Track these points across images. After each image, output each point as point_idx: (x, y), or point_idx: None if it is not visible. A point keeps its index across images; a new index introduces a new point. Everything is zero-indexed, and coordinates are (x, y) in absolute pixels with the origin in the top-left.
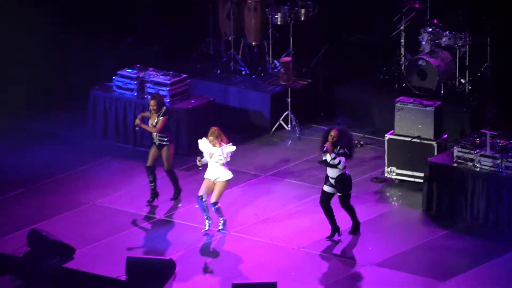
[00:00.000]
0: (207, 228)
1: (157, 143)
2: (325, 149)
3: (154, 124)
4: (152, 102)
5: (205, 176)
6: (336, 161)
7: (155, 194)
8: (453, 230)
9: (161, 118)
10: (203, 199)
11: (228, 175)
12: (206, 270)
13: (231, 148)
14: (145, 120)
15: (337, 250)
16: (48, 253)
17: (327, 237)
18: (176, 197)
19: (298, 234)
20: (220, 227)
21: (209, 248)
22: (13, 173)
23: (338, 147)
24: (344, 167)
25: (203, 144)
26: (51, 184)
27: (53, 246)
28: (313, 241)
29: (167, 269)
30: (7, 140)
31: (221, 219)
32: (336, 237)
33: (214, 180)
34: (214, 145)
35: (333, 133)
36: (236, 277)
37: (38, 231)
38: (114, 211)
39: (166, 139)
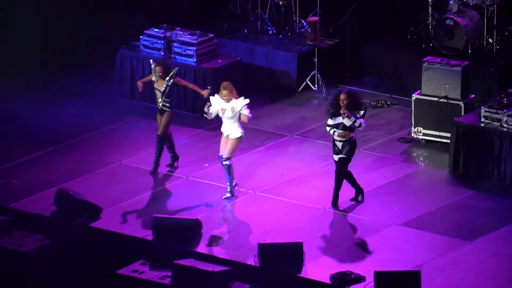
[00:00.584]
0: (227, 194)
1: (159, 107)
2: (346, 115)
3: (163, 89)
4: (158, 69)
5: (222, 130)
6: (357, 123)
7: (175, 157)
8: (479, 190)
9: (174, 79)
10: (225, 160)
11: (239, 132)
12: (232, 230)
13: (244, 101)
14: (145, 85)
15: (363, 210)
16: (75, 213)
17: (351, 199)
18: (172, 164)
19: (324, 194)
20: (227, 195)
21: (235, 208)
22: (41, 132)
23: (359, 110)
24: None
25: (215, 100)
26: (79, 143)
27: (79, 206)
28: (339, 201)
29: (193, 229)
30: (35, 98)
31: (229, 185)
32: (359, 199)
33: (226, 135)
34: (228, 101)
35: (342, 96)
36: (262, 237)
37: (65, 190)
38: (141, 171)
39: (168, 104)
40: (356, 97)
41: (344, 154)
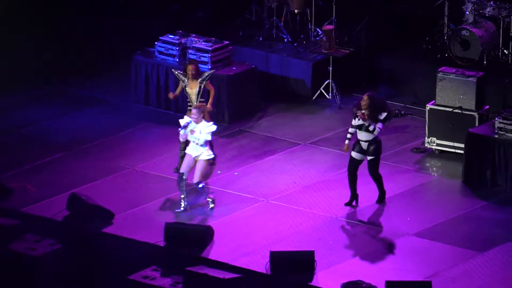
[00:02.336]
0: (182, 208)
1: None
2: (358, 118)
3: (197, 90)
4: (190, 67)
5: (186, 151)
6: (371, 127)
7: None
8: (492, 201)
9: (207, 81)
10: (184, 177)
11: (208, 154)
12: (244, 237)
13: (211, 128)
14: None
15: (376, 219)
16: (87, 218)
17: (346, 204)
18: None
19: (337, 203)
20: (211, 206)
21: (247, 215)
22: (57, 136)
23: (382, 112)
24: (379, 132)
25: (185, 121)
26: (93, 148)
27: (92, 211)
28: (351, 210)
29: (205, 236)
30: (52, 103)
31: (209, 198)
32: (353, 204)
33: (195, 157)
34: (196, 122)
35: (364, 97)
36: (274, 244)
37: (77, 195)
38: (154, 177)
39: (203, 100)
40: (378, 101)
41: (372, 155)
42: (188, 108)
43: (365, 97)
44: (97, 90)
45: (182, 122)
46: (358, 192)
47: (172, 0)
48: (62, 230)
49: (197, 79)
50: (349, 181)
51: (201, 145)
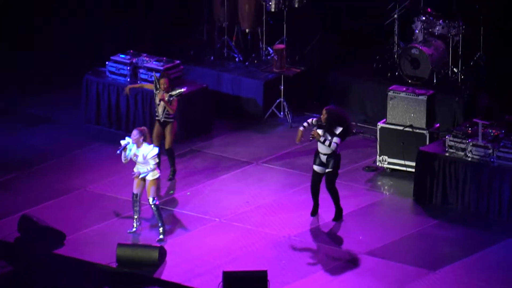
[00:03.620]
0: (134, 229)
1: (162, 120)
2: (310, 137)
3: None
4: (162, 81)
5: (134, 170)
6: (327, 143)
7: (174, 171)
8: (444, 219)
9: (175, 98)
10: (137, 197)
11: (154, 174)
12: (196, 257)
13: (153, 152)
14: (132, 92)
15: (328, 238)
16: (39, 239)
17: (311, 214)
18: (172, 177)
19: (290, 222)
20: (161, 237)
21: (199, 235)
22: (6, 157)
23: (338, 127)
24: (336, 147)
25: (125, 141)
26: (43, 169)
27: (43, 232)
28: (304, 230)
29: (158, 256)
30: (0, 123)
31: (161, 226)
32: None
33: (142, 178)
34: (137, 145)
35: (323, 111)
36: (226, 264)
37: (29, 217)
38: (106, 197)
39: (171, 116)
40: (336, 115)
41: (330, 168)
42: (156, 119)
43: (323, 110)
44: (46, 109)
45: (122, 143)
46: (307, 211)
47: (120, 18)
48: (13, 252)
49: (168, 93)
50: (311, 192)
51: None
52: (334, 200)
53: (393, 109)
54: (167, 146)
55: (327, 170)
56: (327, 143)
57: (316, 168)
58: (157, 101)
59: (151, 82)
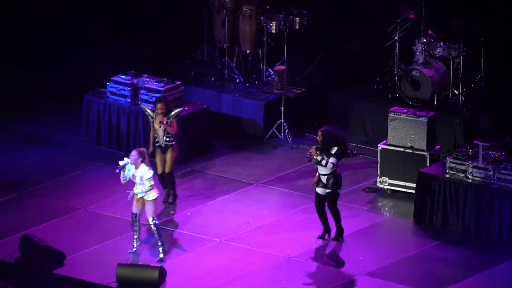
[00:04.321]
0: (134, 249)
1: (163, 145)
2: (307, 154)
3: (163, 127)
4: (159, 105)
5: (135, 191)
6: (323, 162)
7: (175, 196)
8: (444, 241)
9: (173, 119)
10: (136, 217)
11: (153, 195)
12: (197, 277)
13: (148, 174)
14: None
15: (328, 259)
16: (39, 259)
17: (318, 237)
18: (172, 201)
19: (290, 243)
20: (161, 256)
21: (200, 255)
22: (6, 176)
23: (333, 147)
24: (333, 167)
25: (123, 162)
26: (43, 189)
27: (44, 252)
28: (304, 250)
29: (158, 276)
30: (0, 143)
31: (160, 246)
32: (326, 237)
33: (140, 197)
34: (135, 165)
35: (319, 132)
36: (226, 284)
37: (29, 237)
38: (106, 217)
39: (172, 139)
40: (331, 135)
41: (330, 189)
42: (156, 144)
43: (319, 132)
44: (47, 129)
45: (121, 163)
46: (308, 232)
47: (121, 38)
48: (13, 271)
49: (166, 116)
50: (318, 216)
51: (148, 191)
52: (335, 220)
53: (394, 130)
54: (167, 170)
55: (327, 191)
56: (323, 162)
57: (318, 190)
58: (156, 126)
59: (151, 102)
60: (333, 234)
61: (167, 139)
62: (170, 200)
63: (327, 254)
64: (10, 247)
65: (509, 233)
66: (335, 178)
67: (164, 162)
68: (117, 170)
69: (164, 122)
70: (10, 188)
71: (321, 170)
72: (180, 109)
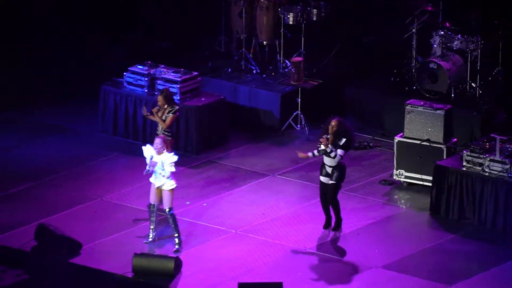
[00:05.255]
0: (150, 239)
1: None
2: (318, 144)
3: (163, 118)
4: (159, 98)
5: (150, 180)
6: (332, 154)
7: None
8: (460, 234)
9: (171, 114)
10: (153, 207)
11: (171, 184)
12: (212, 268)
13: (171, 159)
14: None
15: (344, 251)
16: (55, 248)
17: (324, 226)
18: None
19: (305, 235)
20: (176, 247)
21: (215, 246)
22: (23, 166)
23: (342, 138)
24: (340, 159)
25: (147, 151)
26: (60, 178)
27: (59, 241)
28: (320, 242)
29: (173, 267)
30: (17, 132)
31: (177, 237)
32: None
33: (158, 187)
34: (159, 153)
35: (333, 122)
36: (242, 276)
37: (45, 226)
38: (122, 207)
39: (170, 134)
40: (344, 127)
41: (334, 180)
42: (156, 134)
43: (333, 122)
44: (63, 119)
45: (145, 153)
46: (323, 223)
47: (134, 30)
48: (29, 260)
49: (165, 109)
50: (321, 204)
51: (167, 177)
52: (335, 210)
53: (411, 123)
54: None
55: (330, 182)
56: (333, 154)
57: (322, 179)
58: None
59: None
60: (348, 228)
61: (165, 133)
62: None
63: (342, 246)
64: (27, 236)
65: None
66: (340, 170)
67: None
68: (148, 167)
69: (154, 111)
70: (26, 178)
71: (327, 161)
72: (177, 107)
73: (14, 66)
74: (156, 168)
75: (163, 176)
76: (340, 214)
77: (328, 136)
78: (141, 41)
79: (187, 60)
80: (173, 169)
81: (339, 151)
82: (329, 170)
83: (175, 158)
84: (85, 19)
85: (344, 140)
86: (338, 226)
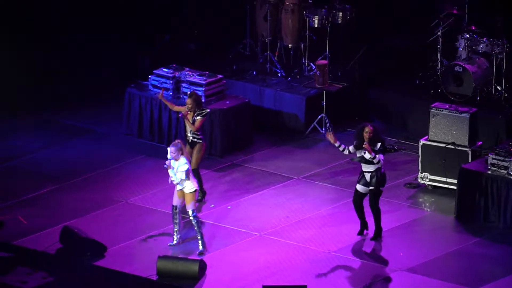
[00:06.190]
0: (174, 242)
1: (190, 140)
2: (364, 151)
3: (191, 121)
4: (188, 101)
5: (174, 182)
6: (376, 160)
7: (203, 193)
8: (485, 237)
9: (199, 117)
10: (176, 209)
11: (191, 187)
12: (236, 271)
13: (183, 167)
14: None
15: (368, 254)
16: (79, 251)
17: (358, 233)
18: (201, 198)
19: (330, 238)
20: (200, 249)
21: (240, 249)
22: (48, 168)
23: (377, 143)
24: (382, 162)
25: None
26: (85, 181)
27: (84, 244)
28: (344, 245)
29: (198, 269)
30: (43, 135)
31: (200, 239)
32: (364, 233)
33: (179, 189)
34: (175, 159)
35: (367, 129)
36: (266, 278)
37: (70, 228)
38: (147, 210)
39: (200, 137)
40: (379, 132)
41: (373, 186)
42: (186, 138)
43: (367, 128)
44: (89, 122)
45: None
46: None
47: (162, 32)
48: (54, 263)
49: (194, 112)
50: (356, 212)
51: (179, 183)
52: (375, 218)
53: (436, 126)
54: (193, 166)
55: (370, 188)
56: (376, 160)
57: (358, 187)
58: (185, 121)
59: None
60: (371, 233)
61: (194, 135)
62: (199, 197)
63: (367, 250)
64: (51, 239)
65: None
66: (380, 175)
67: (190, 156)
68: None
69: (183, 114)
70: (51, 180)
71: (366, 167)
72: (208, 110)
73: (48, 67)
74: (169, 172)
75: (173, 181)
76: (380, 223)
77: (366, 143)
78: (171, 43)
79: (212, 63)
80: (183, 177)
81: (380, 156)
82: (367, 177)
83: (186, 167)
84: (119, 21)
85: (379, 144)
86: (377, 235)
